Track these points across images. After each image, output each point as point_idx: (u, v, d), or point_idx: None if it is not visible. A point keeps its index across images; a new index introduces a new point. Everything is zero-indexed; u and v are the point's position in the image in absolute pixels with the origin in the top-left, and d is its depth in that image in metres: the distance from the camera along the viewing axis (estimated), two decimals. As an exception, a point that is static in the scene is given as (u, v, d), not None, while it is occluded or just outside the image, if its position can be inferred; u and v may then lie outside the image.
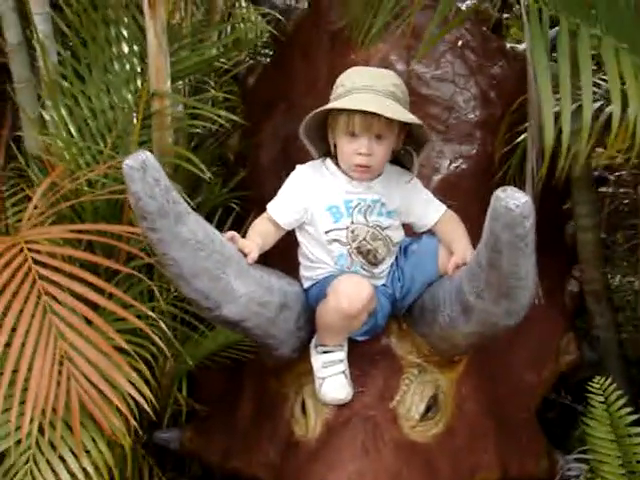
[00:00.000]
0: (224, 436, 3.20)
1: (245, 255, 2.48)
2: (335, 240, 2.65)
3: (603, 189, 4.77)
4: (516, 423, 3.16)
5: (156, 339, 2.63)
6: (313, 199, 2.64)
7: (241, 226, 3.24)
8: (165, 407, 3.44)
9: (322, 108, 2.53)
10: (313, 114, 2.55)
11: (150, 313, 2.66)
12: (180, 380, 3.43)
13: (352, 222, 2.64)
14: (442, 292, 2.55)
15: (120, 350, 2.57)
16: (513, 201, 2.00)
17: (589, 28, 2.30)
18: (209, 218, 3.52)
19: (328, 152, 2.69)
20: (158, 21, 2.97)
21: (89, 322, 2.56)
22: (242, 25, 4.57)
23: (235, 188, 3.82)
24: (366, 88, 2.52)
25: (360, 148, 2.54)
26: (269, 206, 2.68)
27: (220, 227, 3.43)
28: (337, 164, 2.67)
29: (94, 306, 2.61)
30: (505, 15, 4.34)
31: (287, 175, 3.60)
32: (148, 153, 2.12)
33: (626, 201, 4.99)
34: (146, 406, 2.47)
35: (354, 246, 2.65)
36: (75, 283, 2.53)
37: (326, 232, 2.65)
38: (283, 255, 2.80)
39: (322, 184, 2.66)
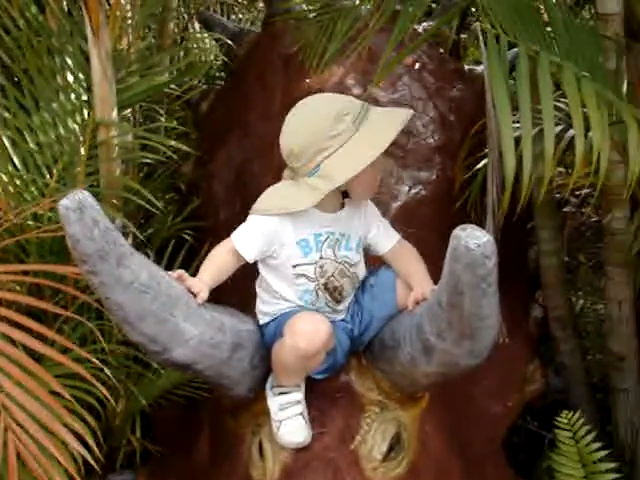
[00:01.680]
0: (180, 479, 3.07)
1: (194, 295, 2.36)
2: (302, 275, 2.53)
3: (564, 209, 4.72)
4: (482, 457, 3.07)
5: (98, 385, 2.48)
6: (283, 233, 2.49)
7: (194, 257, 3.14)
8: (118, 448, 3.31)
9: (392, 137, 2.37)
10: (381, 151, 2.37)
11: (90, 357, 2.51)
12: (133, 420, 3.30)
13: (321, 257, 2.52)
14: (402, 329, 2.44)
15: (63, 396, 2.42)
16: (474, 240, 1.90)
17: (549, 55, 2.22)
18: (161, 250, 3.44)
19: None
20: (102, 47, 2.87)
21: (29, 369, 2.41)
22: (194, 50, 4.46)
23: (188, 218, 3.72)
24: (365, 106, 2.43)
25: (379, 173, 2.50)
26: (234, 238, 2.50)
27: (173, 259, 3.34)
28: None
29: (34, 352, 2.46)
30: (462, 36, 4.28)
31: (242, 204, 3.49)
32: (85, 192, 2.00)
33: (586, 222, 4.95)
34: (89, 457, 2.32)
35: (322, 282, 2.54)
36: (14, 330, 2.38)
37: (294, 266, 2.52)
38: (236, 287, 2.69)
39: (292, 217, 2.49)
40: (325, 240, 2.52)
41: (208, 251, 2.57)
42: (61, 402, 2.40)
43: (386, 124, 2.40)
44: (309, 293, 2.54)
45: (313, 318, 2.44)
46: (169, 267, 3.25)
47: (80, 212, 1.98)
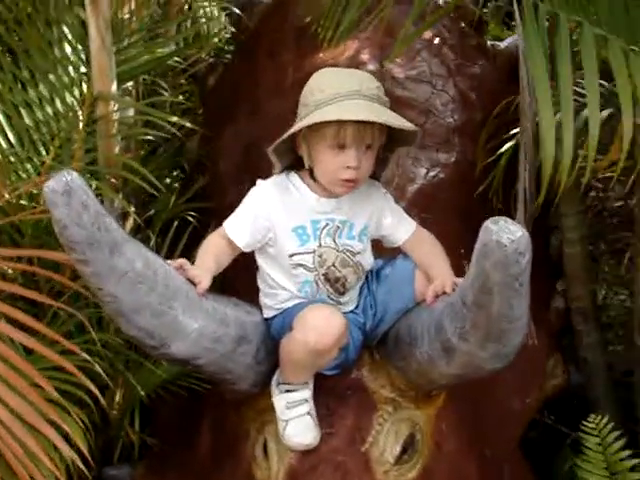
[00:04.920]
0: (180, 476, 2.92)
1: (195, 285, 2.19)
2: (300, 265, 2.37)
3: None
4: (500, 458, 2.91)
5: (84, 379, 2.31)
6: (277, 219, 2.35)
7: (199, 240, 2.98)
8: (116, 440, 3.16)
9: (313, 120, 2.19)
10: (296, 129, 2.23)
11: (75, 349, 2.35)
12: (132, 411, 3.15)
13: (320, 245, 2.36)
14: (420, 325, 2.26)
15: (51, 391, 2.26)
16: (507, 235, 1.70)
17: (592, 27, 2.01)
18: (163, 232, 3.27)
19: (291, 165, 2.40)
20: (100, 15, 2.68)
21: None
22: (201, 20, 4.26)
23: (193, 198, 3.55)
24: (353, 93, 2.21)
25: (349, 161, 2.24)
26: (226, 225, 2.39)
27: (176, 241, 3.18)
28: (302, 179, 2.38)
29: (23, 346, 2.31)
30: (484, 10, 4.09)
31: (250, 184, 3.31)
32: (74, 173, 1.82)
33: (608, 208, 4.74)
34: (77, 459, 2.16)
35: (321, 272, 2.37)
36: (1, 322, 2.22)
37: (290, 256, 2.36)
38: (242, 275, 2.52)
39: (287, 202, 2.36)
40: (324, 227, 2.36)
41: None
42: (49, 397, 2.24)
43: (343, 110, 2.19)
44: (309, 284, 2.39)
45: (326, 311, 2.28)
46: (172, 250, 3.10)
47: (67, 195, 1.81)
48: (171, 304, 2.08)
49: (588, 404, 3.36)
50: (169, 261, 2.20)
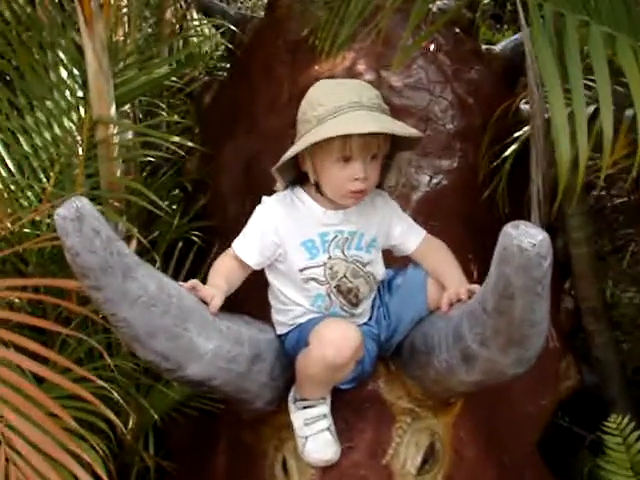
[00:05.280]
0: (196, 499, 2.88)
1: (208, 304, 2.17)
2: (312, 279, 2.34)
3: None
4: (518, 462, 2.87)
5: (101, 406, 2.28)
6: (285, 234, 2.33)
7: (204, 259, 2.96)
8: (131, 465, 3.12)
9: (320, 136, 2.15)
10: (302, 146, 2.19)
11: (89, 375, 2.32)
12: (146, 435, 3.11)
13: (329, 258, 2.34)
14: (436, 334, 2.24)
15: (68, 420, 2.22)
16: (528, 239, 1.68)
17: (599, 26, 1.99)
18: (168, 253, 3.25)
19: (294, 180, 2.38)
20: (96, 39, 2.66)
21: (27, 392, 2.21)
22: (195, 39, 4.25)
23: (195, 217, 3.51)
24: (354, 105, 2.19)
25: (356, 173, 2.22)
26: (235, 245, 2.37)
27: (181, 262, 3.15)
28: (308, 193, 2.36)
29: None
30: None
31: (251, 201, 3.29)
32: (84, 199, 1.80)
33: (607, 205, 4.72)
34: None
35: (333, 285, 2.35)
36: (11, 352, 2.18)
37: (301, 270, 2.34)
38: (252, 295, 2.49)
39: (294, 217, 2.34)
40: (333, 239, 2.34)
41: (217, 251, 2.41)
42: (66, 426, 2.21)
43: (348, 123, 2.16)
44: (321, 298, 2.37)
45: (341, 324, 2.25)
46: (177, 271, 3.08)
47: (79, 222, 1.79)
48: (186, 326, 2.05)
49: (603, 404, 3.33)
50: (181, 282, 2.18)
